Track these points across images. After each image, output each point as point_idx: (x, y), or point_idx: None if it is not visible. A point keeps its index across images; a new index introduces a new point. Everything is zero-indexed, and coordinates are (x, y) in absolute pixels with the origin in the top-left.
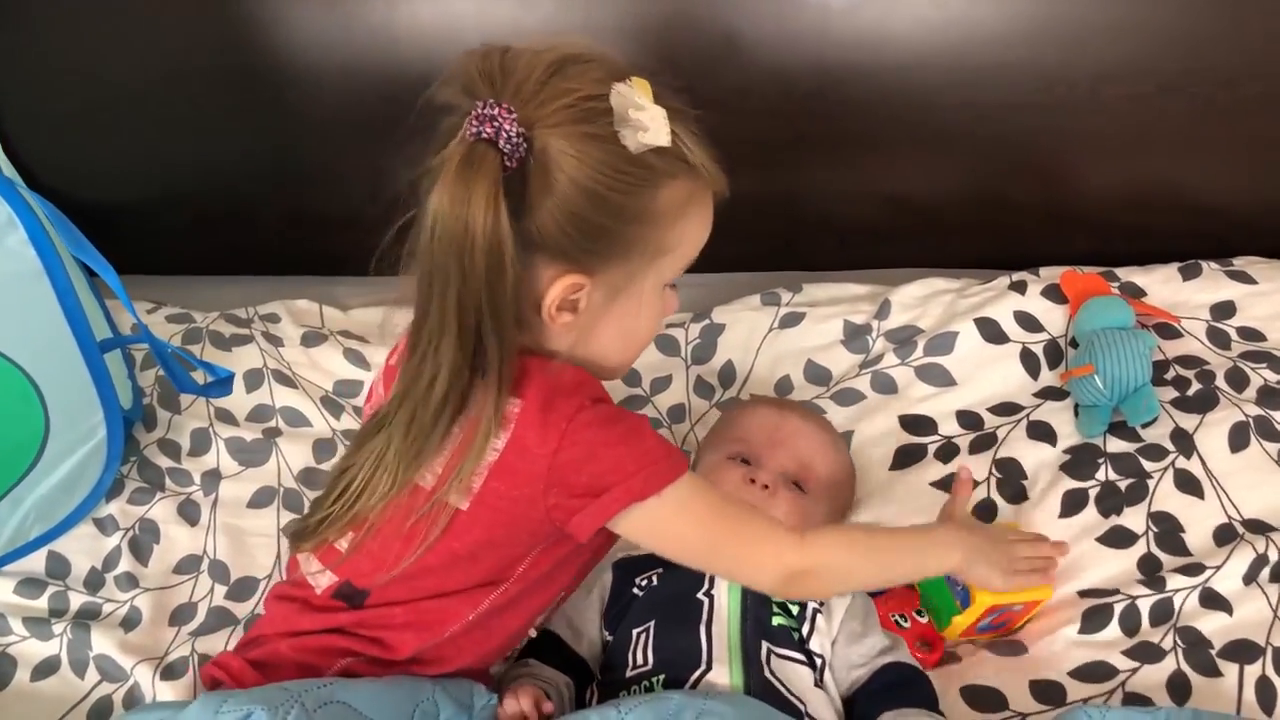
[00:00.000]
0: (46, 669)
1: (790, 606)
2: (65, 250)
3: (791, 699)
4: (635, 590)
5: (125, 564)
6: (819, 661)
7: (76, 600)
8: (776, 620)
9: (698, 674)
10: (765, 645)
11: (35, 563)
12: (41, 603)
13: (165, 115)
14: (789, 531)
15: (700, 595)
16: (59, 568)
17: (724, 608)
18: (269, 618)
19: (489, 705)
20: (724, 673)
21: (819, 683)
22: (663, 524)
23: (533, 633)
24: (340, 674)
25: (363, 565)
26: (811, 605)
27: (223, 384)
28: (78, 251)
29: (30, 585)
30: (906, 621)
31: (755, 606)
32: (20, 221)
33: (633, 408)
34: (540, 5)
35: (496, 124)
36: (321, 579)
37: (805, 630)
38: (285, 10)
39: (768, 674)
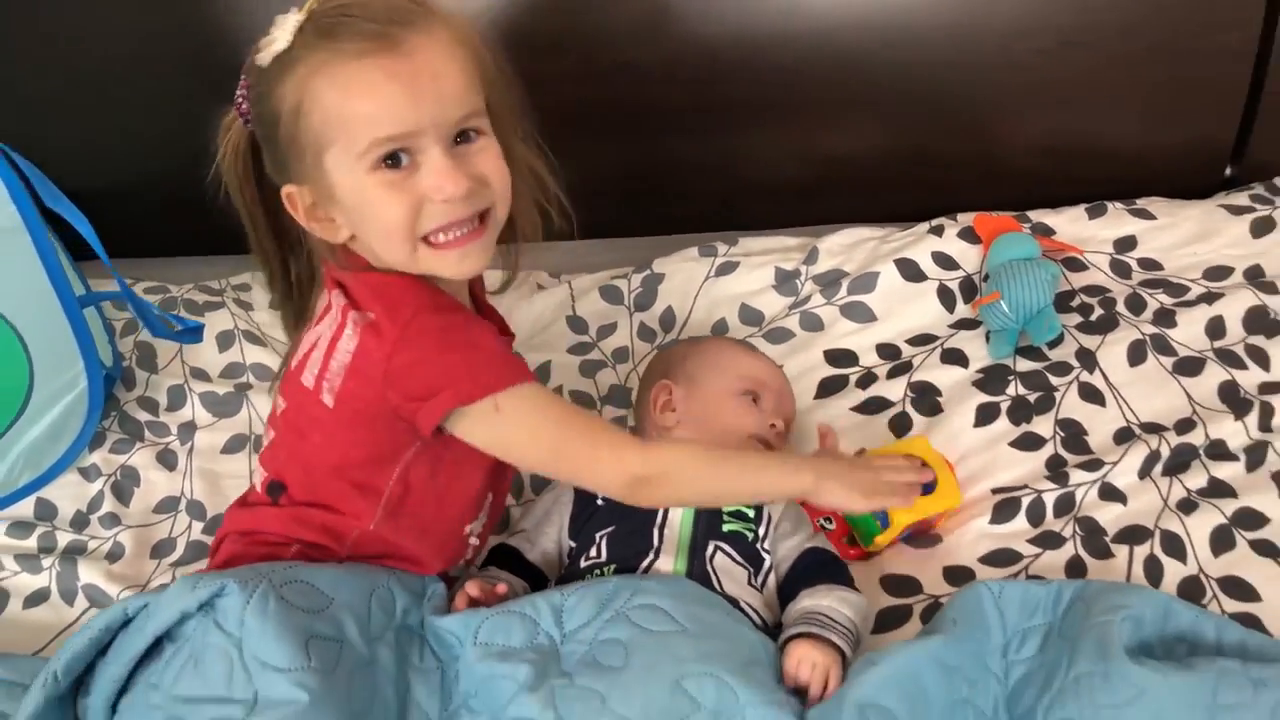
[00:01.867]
0: (37, 598)
1: (745, 511)
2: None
3: (724, 593)
4: (599, 501)
5: (108, 505)
6: (766, 561)
7: (64, 539)
8: (728, 526)
9: (645, 562)
10: (713, 544)
11: (24, 508)
12: (31, 542)
13: (137, 97)
14: (631, 439)
15: None
16: (46, 511)
17: (677, 512)
18: (223, 525)
19: (438, 592)
20: (669, 562)
21: (755, 584)
22: (500, 430)
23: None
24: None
25: (279, 457)
26: (767, 509)
27: (193, 332)
28: (55, 204)
29: (20, 527)
30: (832, 523)
31: (708, 511)
32: (1, 179)
33: (580, 353)
34: None
35: (238, 91)
36: (258, 477)
37: (761, 531)
38: None
39: (709, 568)
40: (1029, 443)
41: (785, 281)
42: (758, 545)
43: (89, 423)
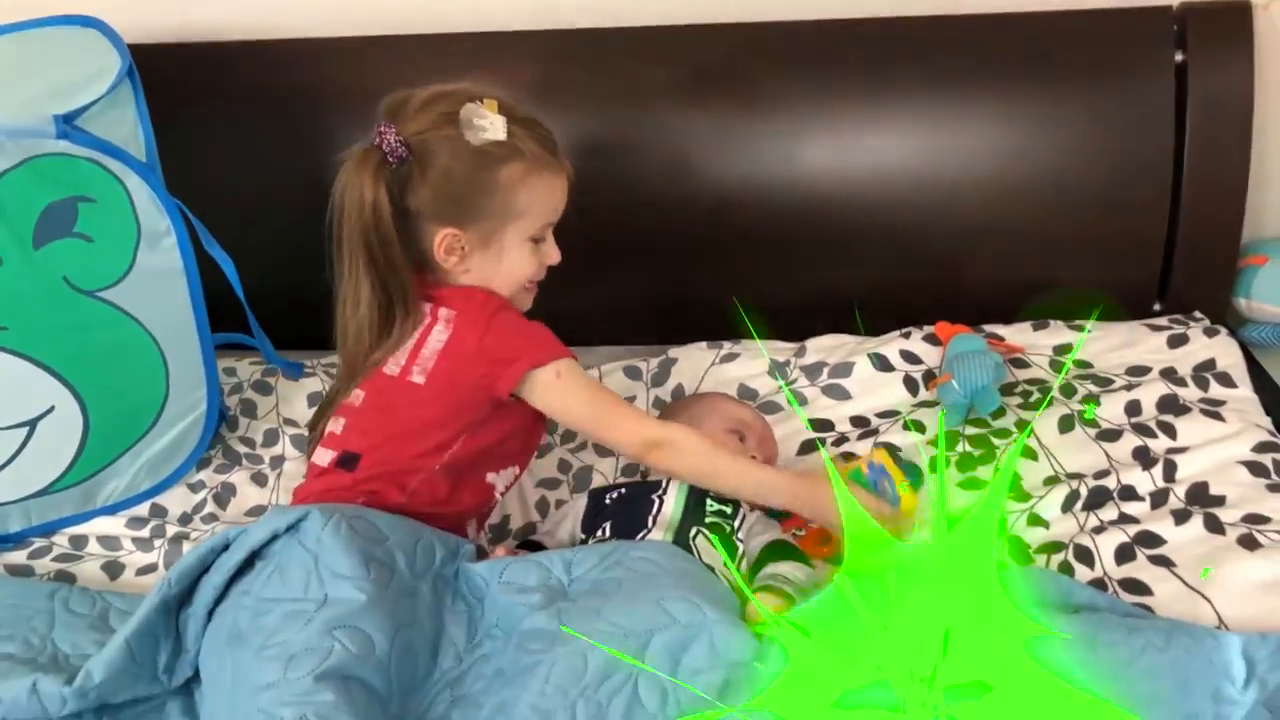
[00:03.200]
0: (148, 569)
1: (724, 507)
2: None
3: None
4: (606, 501)
5: (209, 508)
6: (740, 549)
7: (171, 530)
8: (711, 519)
9: (640, 534)
10: (696, 528)
11: (141, 509)
12: (144, 532)
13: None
14: (652, 418)
15: (653, 496)
16: (159, 512)
17: (670, 503)
18: (294, 498)
19: (469, 551)
20: (659, 535)
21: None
22: (558, 393)
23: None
24: None
25: (352, 438)
26: (743, 509)
27: (295, 368)
28: (210, 248)
29: (137, 521)
30: (802, 531)
31: (694, 506)
32: (174, 232)
33: None
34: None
35: (381, 135)
36: (324, 457)
37: (736, 523)
38: None
39: (691, 545)
40: (971, 485)
41: (777, 369)
42: (734, 537)
43: (201, 443)
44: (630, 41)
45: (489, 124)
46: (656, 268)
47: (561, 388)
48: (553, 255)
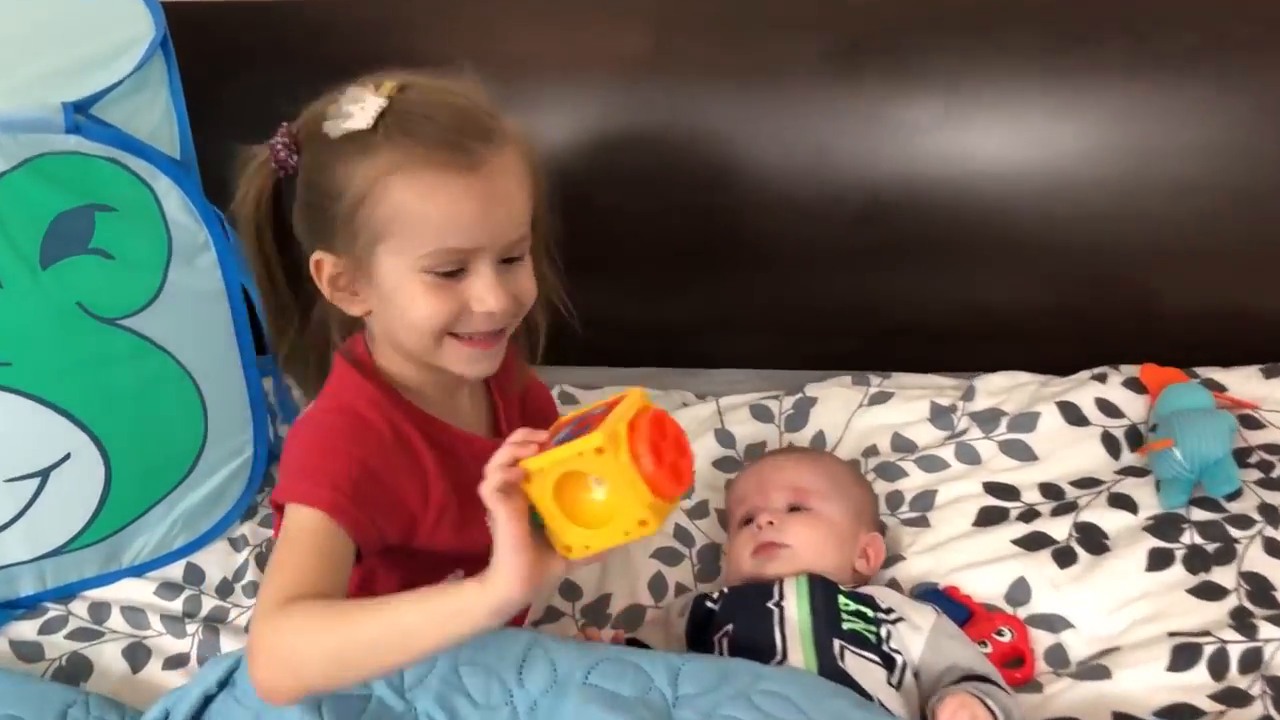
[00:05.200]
0: (177, 662)
1: (865, 611)
2: None
3: (864, 691)
4: (709, 604)
5: (251, 575)
6: (898, 660)
7: (208, 604)
8: (848, 625)
9: (774, 661)
10: (838, 643)
11: (174, 570)
12: (177, 605)
13: None
14: (281, 592)
15: (770, 605)
16: (195, 576)
17: (793, 610)
18: None
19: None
20: (799, 659)
21: (893, 683)
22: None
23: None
24: None
25: None
26: (881, 614)
27: None
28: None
29: (168, 588)
30: (988, 646)
31: (825, 610)
32: (214, 246)
33: (724, 468)
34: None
35: (273, 138)
36: None
37: (883, 633)
38: None
39: (840, 664)
40: (1209, 592)
41: (940, 415)
42: (883, 646)
43: (247, 492)
44: (761, 5)
45: (359, 108)
46: (788, 279)
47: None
48: (486, 299)
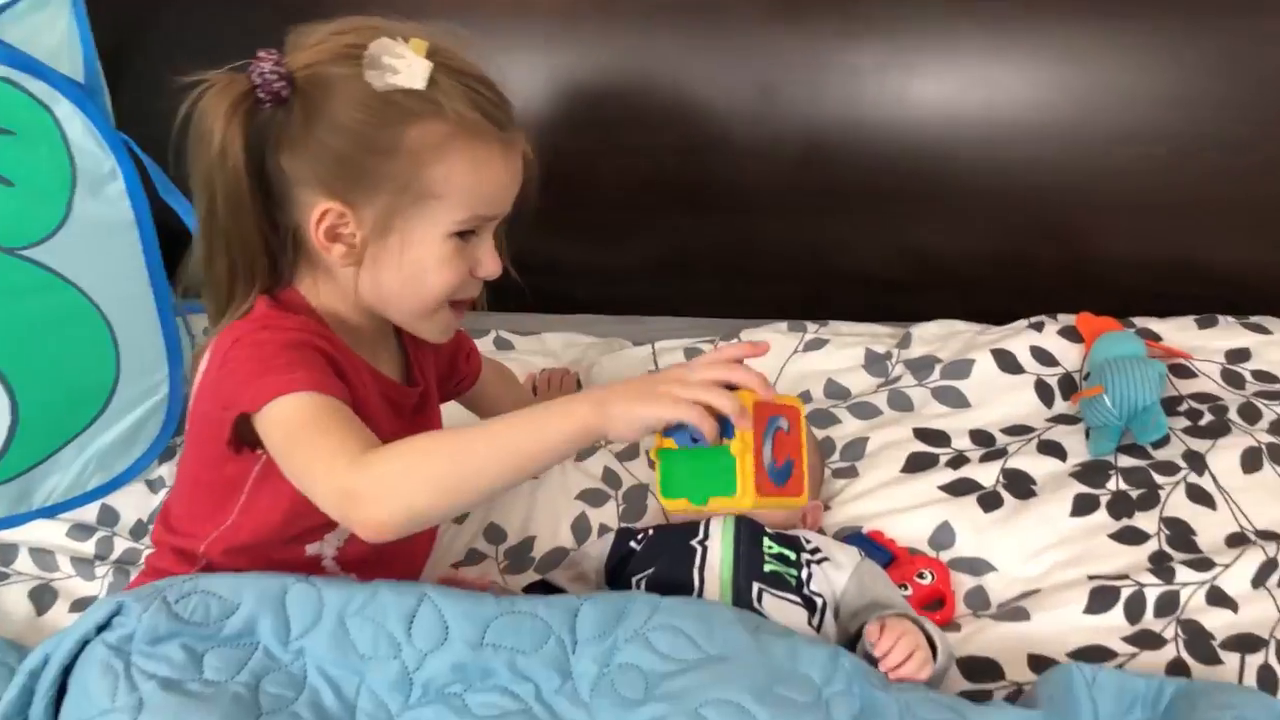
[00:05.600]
0: (84, 605)
1: (787, 554)
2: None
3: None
4: (633, 544)
5: None
6: (818, 603)
7: (121, 546)
8: (769, 567)
9: None
10: (757, 585)
11: (88, 513)
12: (88, 546)
13: None
14: (348, 451)
15: (694, 543)
16: (109, 517)
17: (716, 553)
18: None
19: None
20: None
21: (814, 624)
22: (266, 437)
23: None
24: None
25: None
26: (805, 555)
27: None
28: (168, 196)
29: (81, 529)
30: (909, 589)
31: (748, 553)
32: (121, 173)
33: None
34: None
35: (257, 62)
36: None
37: (804, 575)
38: None
39: (757, 607)
40: (1130, 536)
41: (875, 362)
42: (804, 589)
43: (164, 432)
44: None
45: (405, 65)
46: (726, 224)
47: (273, 433)
48: (488, 264)
